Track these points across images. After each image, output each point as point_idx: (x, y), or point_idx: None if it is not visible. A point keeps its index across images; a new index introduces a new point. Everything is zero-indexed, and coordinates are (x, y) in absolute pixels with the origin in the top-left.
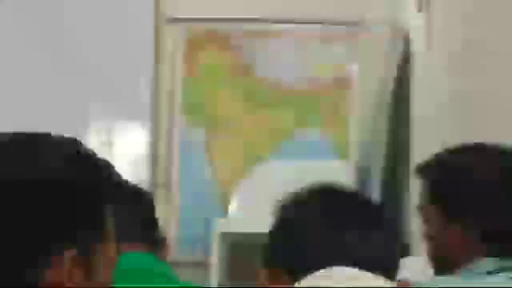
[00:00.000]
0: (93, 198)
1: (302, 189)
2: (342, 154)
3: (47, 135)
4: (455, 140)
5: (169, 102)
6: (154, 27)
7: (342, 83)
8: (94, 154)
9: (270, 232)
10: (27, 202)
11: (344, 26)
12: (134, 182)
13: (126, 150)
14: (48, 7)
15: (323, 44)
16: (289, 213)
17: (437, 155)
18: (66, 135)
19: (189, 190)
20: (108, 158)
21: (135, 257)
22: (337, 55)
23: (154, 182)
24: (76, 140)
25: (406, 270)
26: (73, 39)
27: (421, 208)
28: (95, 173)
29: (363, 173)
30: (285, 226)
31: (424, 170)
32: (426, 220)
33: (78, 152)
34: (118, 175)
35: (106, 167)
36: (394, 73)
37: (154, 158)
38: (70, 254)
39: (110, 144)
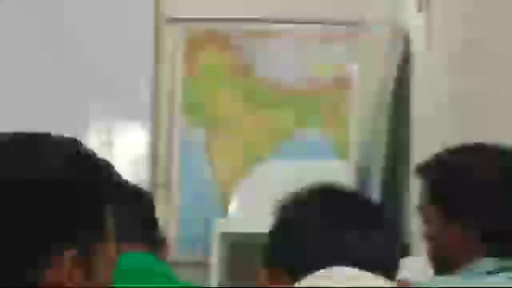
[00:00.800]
0: (93, 198)
1: (302, 189)
2: (342, 154)
3: (47, 135)
4: (455, 140)
5: (169, 102)
6: (154, 27)
7: (342, 83)
8: (94, 154)
9: (270, 232)
10: (27, 202)
11: (344, 26)
12: (134, 182)
13: (126, 150)
14: (48, 7)
15: (323, 44)
16: (289, 213)
17: (437, 155)
18: (66, 135)
19: (189, 190)
20: (108, 157)
21: (135, 257)
22: (337, 55)
23: (154, 182)
24: (76, 140)
25: (406, 270)
26: (73, 39)
27: (421, 208)
28: (95, 173)
29: (363, 173)
30: (285, 226)
31: (424, 170)
32: (426, 220)
33: (78, 152)
34: (118, 175)
35: (106, 167)
36: (394, 73)
37: (154, 158)
38: (69, 254)
39: (110, 144)
